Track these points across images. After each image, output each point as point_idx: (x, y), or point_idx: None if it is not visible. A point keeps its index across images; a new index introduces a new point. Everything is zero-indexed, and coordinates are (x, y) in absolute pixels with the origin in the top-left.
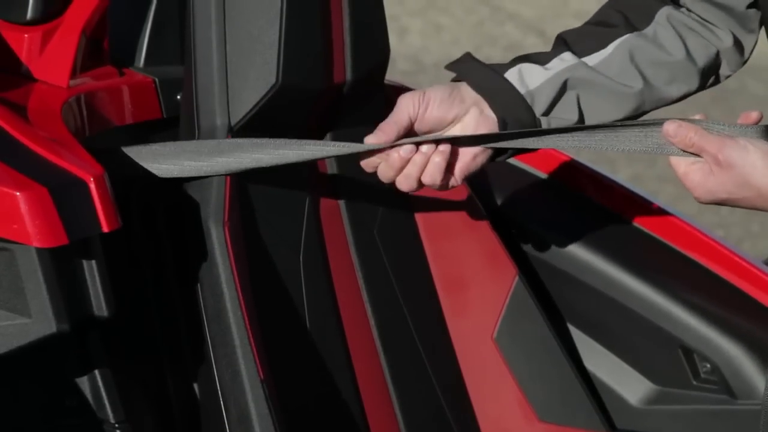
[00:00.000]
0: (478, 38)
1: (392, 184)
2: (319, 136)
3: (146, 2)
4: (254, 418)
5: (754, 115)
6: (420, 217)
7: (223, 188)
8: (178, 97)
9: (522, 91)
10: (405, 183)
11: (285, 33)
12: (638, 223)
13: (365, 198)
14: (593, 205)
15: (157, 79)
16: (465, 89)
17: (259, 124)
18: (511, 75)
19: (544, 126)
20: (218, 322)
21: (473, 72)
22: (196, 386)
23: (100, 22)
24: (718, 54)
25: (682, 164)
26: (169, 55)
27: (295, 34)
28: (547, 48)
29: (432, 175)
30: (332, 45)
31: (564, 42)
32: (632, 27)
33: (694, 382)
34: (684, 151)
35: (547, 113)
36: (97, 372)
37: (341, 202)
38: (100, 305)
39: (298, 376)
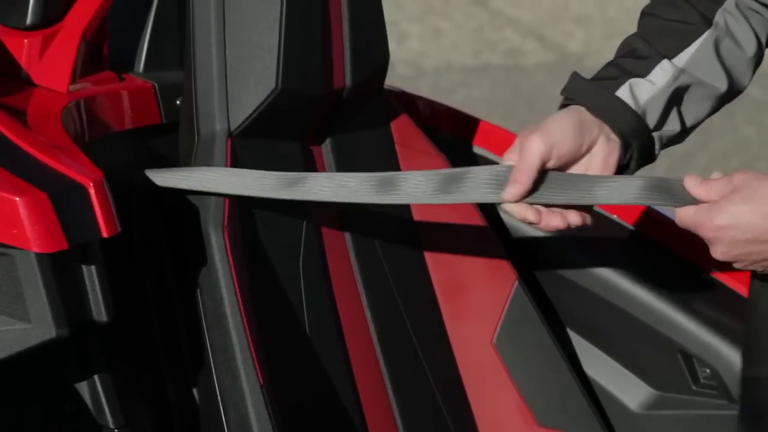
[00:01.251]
0: (477, 43)
1: None
2: (318, 141)
3: (146, 7)
4: (254, 423)
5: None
6: (419, 223)
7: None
8: (178, 102)
9: (635, 108)
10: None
11: (284, 38)
12: (637, 227)
13: (365, 204)
14: (592, 211)
15: (156, 84)
16: (586, 115)
17: (259, 129)
18: (623, 93)
19: (657, 141)
20: (218, 328)
21: (590, 96)
22: (195, 391)
23: (99, 27)
24: None
25: (689, 208)
26: (169, 60)
27: (295, 40)
28: (546, 52)
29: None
30: (332, 50)
31: (648, 46)
32: (708, 21)
33: (694, 388)
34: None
35: (658, 128)
36: (96, 377)
37: (341, 208)
38: (99, 310)
39: (297, 382)
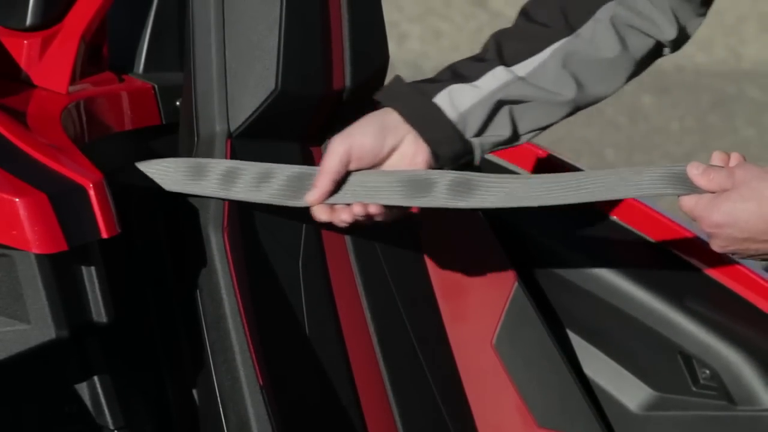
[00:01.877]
0: (477, 44)
1: None
2: (318, 142)
3: (146, 8)
4: (253, 424)
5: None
6: (419, 224)
7: None
8: (178, 103)
9: (453, 115)
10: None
11: (284, 39)
12: (637, 228)
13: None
14: (592, 211)
15: (156, 86)
16: (395, 117)
17: (259, 130)
18: (441, 99)
19: (476, 147)
20: (217, 329)
21: (402, 99)
22: (195, 393)
23: (99, 28)
24: (658, 44)
25: (692, 198)
26: (169, 62)
27: (295, 41)
28: None
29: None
30: (332, 51)
31: (497, 48)
32: (570, 28)
33: (694, 389)
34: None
35: (479, 134)
36: (96, 378)
37: None
38: (99, 311)
39: (297, 383)
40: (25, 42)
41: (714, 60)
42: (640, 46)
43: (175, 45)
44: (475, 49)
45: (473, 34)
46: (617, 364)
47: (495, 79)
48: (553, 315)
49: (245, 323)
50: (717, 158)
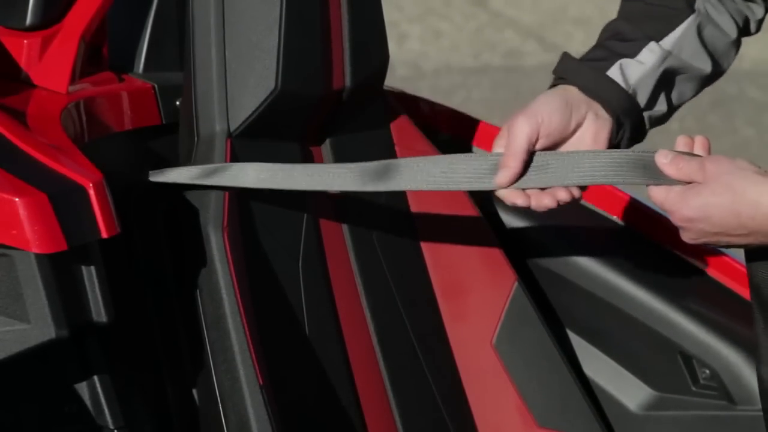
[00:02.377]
0: (477, 44)
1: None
2: (318, 142)
3: (145, 8)
4: (253, 424)
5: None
6: (419, 223)
7: (222, 194)
8: (178, 103)
9: (626, 87)
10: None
11: (284, 39)
12: (637, 228)
13: (364, 204)
14: (592, 211)
15: (156, 85)
16: (574, 94)
17: (259, 130)
18: (613, 73)
19: (646, 121)
20: (217, 329)
21: (581, 75)
22: (195, 392)
23: (99, 28)
24: (747, 23)
25: (662, 189)
26: (169, 61)
27: (295, 40)
28: (546, 53)
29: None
30: (331, 51)
31: (632, 28)
32: (690, 6)
33: (694, 388)
34: (675, 178)
35: (647, 108)
36: (96, 378)
37: (340, 208)
38: (99, 311)
39: (297, 383)
40: (25, 42)
41: None
42: (741, 24)
43: (175, 45)
44: (476, 49)
45: (473, 34)
46: (617, 363)
47: (652, 53)
48: (552, 315)
49: (245, 323)
50: (681, 143)
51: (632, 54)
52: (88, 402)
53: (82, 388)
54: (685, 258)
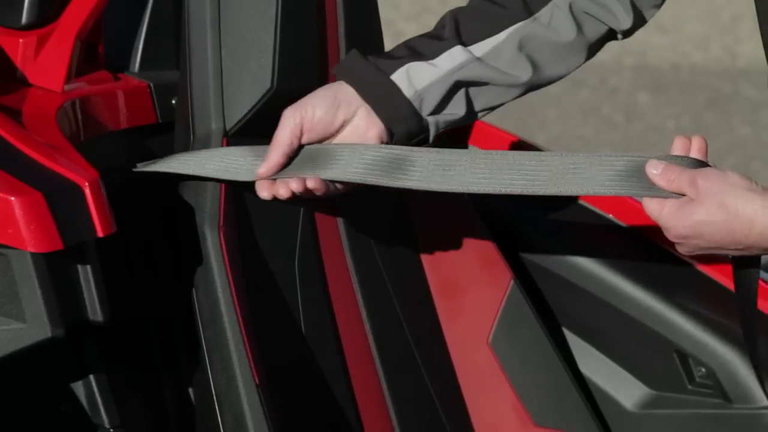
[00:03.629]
0: None
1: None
2: None
3: (141, 7)
4: (249, 422)
5: (695, 144)
6: (415, 221)
7: (218, 193)
8: (173, 101)
9: (410, 93)
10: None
11: (280, 38)
12: (633, 226)
13: (361, 203)
14: (588, 209)
15: (152, 84)
16: (349, 90)
17: (254, 128)
18: (398, 76)
19: (432, 125)
20: (213, 327)
21: (358, 73)
22: (191, 391)
23: (95, 26)
24: (611, 31)
25: (657, 204)
26: (164, 60)
27: (290, 39)
28: None
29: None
30: (327, 50)
31: (455, 27)
32: (528, 11)
33: (690, 387)
34: (668, 191)
35: (435, 112)
36: (92, 377)
37: (336, 206)
38: (95, 310)
39: (293, 382)
40: (21, 41)
41: (710, 58)
42: (595, 32)
43: (171, 43)
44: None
45: None
46: (613, 362)
47: (452, 59)
48: (549, 313)
49: (241, 321)
50: (678, 145)
51: (431, 55)
52: (84, 401)
53: (78, 387)
54: (681, 256)
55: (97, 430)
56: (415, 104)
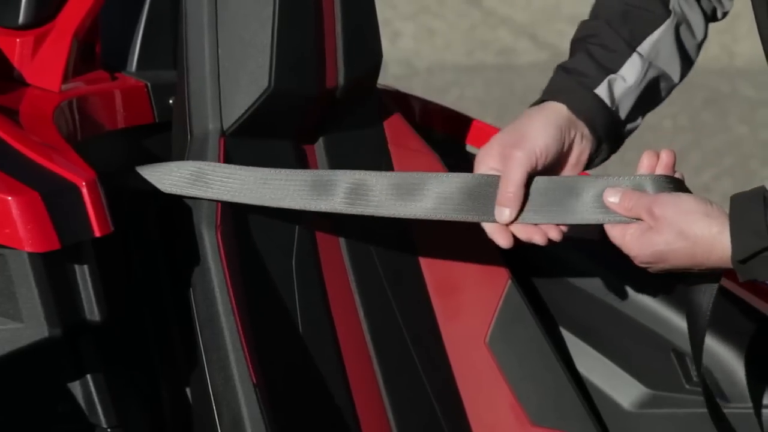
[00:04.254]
0: (470, 42)
1: None
2: (311, 140)
3: (138, 6)
4: (247, 422)
5: (663, 158)
6: (412, 222)
7: None
8: (171, 101)
9: (611, 105)
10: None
11: (277, 37)
12: None
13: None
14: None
15: (149, 84)
16: (564, 114)
17: (252, 128)
18: (602, 90)
19: (625, 136)
20: (211, 327)
21: (572, 96)
22: (188, 391)
23: (92, 26)
24: (715, 14)
25: (618, 230)
26: (162, 60)
27: (288, 39)
28: (539, 52)
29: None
30: (325, 49)
31: (612, 30)
32: (666, 8)
33: (687, 386)
34: (625, 216)
35: (627, 122)
36: (89, 377)
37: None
38: (92, 310)
39: (290, 381)
40: (18, 40)
41: (707, 58)
42: (710, 16)
43: (168, 43)
44: (469, 47)
45: (466, 32)
46: (610, 361)
47: (634, 67)
48: (546, 313)
49: (238, 321)
50: (645, 163)
51: (616, 67)
52: (81, 401)
53: (76, 387)
54: None
55: (95, 430)
56: (616, 116)
